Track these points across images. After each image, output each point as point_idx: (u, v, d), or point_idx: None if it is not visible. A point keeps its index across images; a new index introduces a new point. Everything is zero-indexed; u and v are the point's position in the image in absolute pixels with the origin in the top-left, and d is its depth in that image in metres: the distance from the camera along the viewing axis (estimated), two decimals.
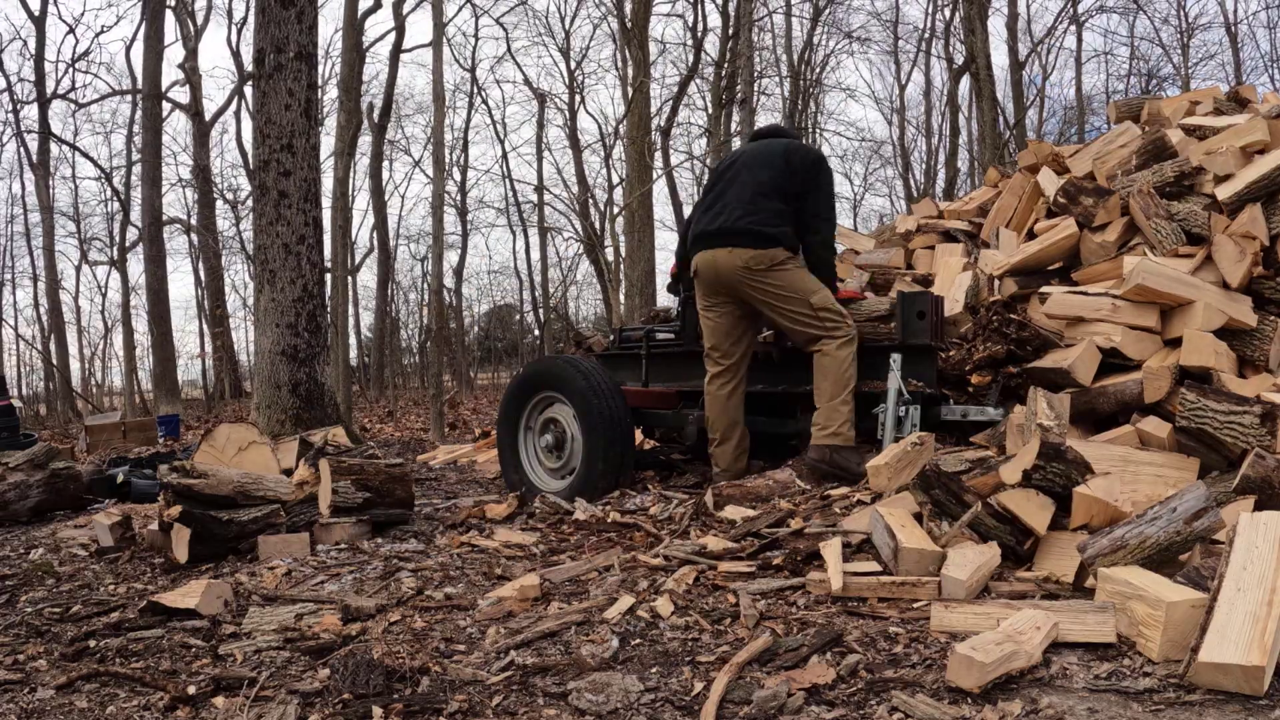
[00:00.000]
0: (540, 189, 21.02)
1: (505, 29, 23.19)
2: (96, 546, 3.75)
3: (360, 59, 16.45)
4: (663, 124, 17.99)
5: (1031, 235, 4.64)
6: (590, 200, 21.25)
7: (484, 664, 2.16)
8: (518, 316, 30.16)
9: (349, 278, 19.31)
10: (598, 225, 20.01)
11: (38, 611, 2.78)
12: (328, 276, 9.94)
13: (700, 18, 18.86)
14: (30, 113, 19.67)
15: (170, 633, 2.50)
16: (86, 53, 36.92)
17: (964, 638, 1.97)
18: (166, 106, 19.26)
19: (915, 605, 2.34)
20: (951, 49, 20.66)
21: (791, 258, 3.88)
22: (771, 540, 2.96)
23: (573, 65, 22.08)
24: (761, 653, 2.08)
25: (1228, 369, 3.42)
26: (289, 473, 4.23)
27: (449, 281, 24.17)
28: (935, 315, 3.76)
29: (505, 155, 24.91)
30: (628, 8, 17.40)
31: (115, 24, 40.16)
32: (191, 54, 20.53)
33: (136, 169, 18.15)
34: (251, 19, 7.25)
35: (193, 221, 22.17)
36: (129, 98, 21.09)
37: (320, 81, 11.87)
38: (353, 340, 21.89)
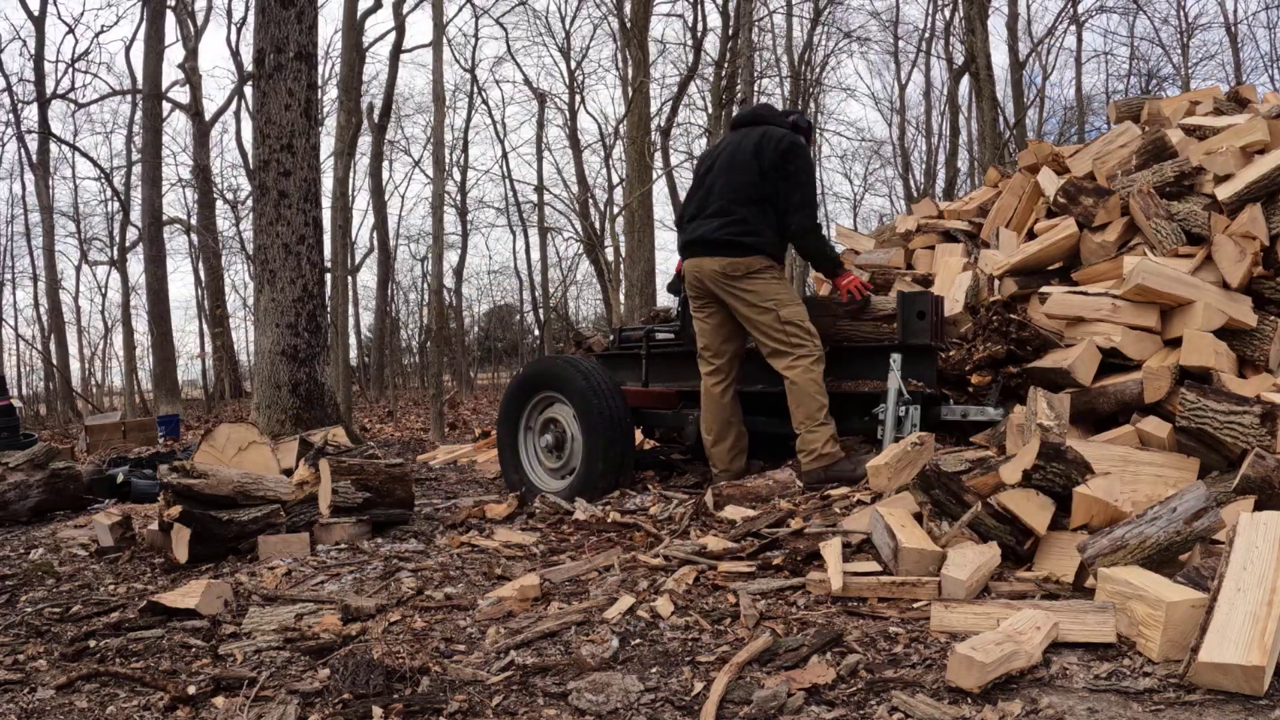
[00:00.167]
0: (540, 189, 21.02)
1: (505, 29, 23.19)
2: (96, 546, 3.75)
3: (360, 59, 16.46)
4: (663, 124, 17.99)
5: (1031, 235, 4.64)
6: (590, 200, 21.26)
7: (484, 664, 2.16)
8: (518, 316, 30.19)
9: (349, 278, 19.31)
10: (598, 225, 20.02)
11: (38, 611, 2.78)
12: (328, 276, 9.94)
13: (700, 18, 18.88)
14: (30, 113, 19.68)
15: (170, 633, 2.50)
16: (86, 53, 36.92)
17: (964, 638, 1.97)
18: (166, 106, 19.26)
19: (915, 605, 2.34)
20: (951, 49, 20.68)
21: (771, 266, 3.86)
22: (771, 540, 2.96)
23: (573, 65, 22.08)
24: (761, 653, 2.08)
25: (1228, 369, 3.42)
26: (289, 473, 4.24)
27: (449, 281, 24.18)
28: (935, 315, 3.76)
29: (505, 155, 24.90)
30: (628, 8, 17.40)
31: (115, 24, 40.32)
32: (191, 54, 20.53)
33: (136, 169, 18.15)
34: (251, 19, 7.25)
35: (193, 221, 22.16)
36: (129, 98, 21.09)
37: (320, 81, 11.87)
38: (353, 340, 21.91)
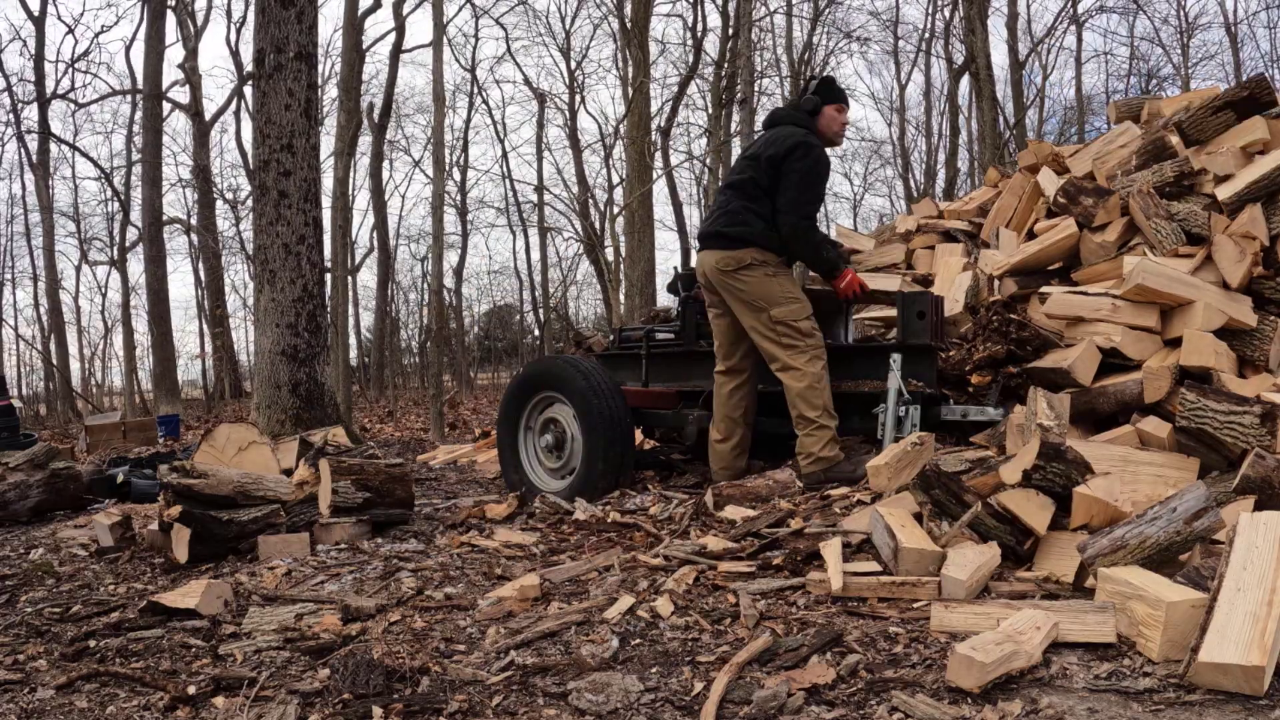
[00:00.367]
0: (540, 189, 21.03)
1: (505, 29, 23.20)
2: (96, 546, 3.75)
3: (360, 59, 16.44)
4: (663, 124, 17.98)
5: (1031, 235, 4.64)
6: (590, 200, 21.25)
7: (484, 664, 2.17)
8: (518, 316, 30.18)
9: (349, 278, 19.32)
10: (598, 225, 20.00)
11: (38, 611, 2.79)
12: (328, 276, 9.93)
13: (700, 18, 18.85)
14: (30, 113, 19.67)
15: (170, 633, 2.50)
16: (86, 53, 36.89)
17: (964, 638, 1.97)
18: (166, 106, 19.25)
19: (915, 605, 2.34)
20: (951, 49, 20.66)
21: (764, 262, 3.80)
22: (771, 540, 2.96)
23: (573, 65, 22.07)
24: (761, 653, 2.08)
25: (1228, 369, 3.42)
26: (289, 473, 4.24)
27: (449, 281, 24.15)
28: (935, 315, 3.76)
29: (505, 155, 24.92)
30: (628, 8, 17.39)
31: (115, 24, 40.30)
32: (191, 54, 20.50)
33: (136, 169, 18.13)
34: (251, 19, 7.25)
35: (193, 221, 22.14)
36: (129, 98, 21.08)
37: (320, 81, 11.86)
38: (353, 340, 21.91)
